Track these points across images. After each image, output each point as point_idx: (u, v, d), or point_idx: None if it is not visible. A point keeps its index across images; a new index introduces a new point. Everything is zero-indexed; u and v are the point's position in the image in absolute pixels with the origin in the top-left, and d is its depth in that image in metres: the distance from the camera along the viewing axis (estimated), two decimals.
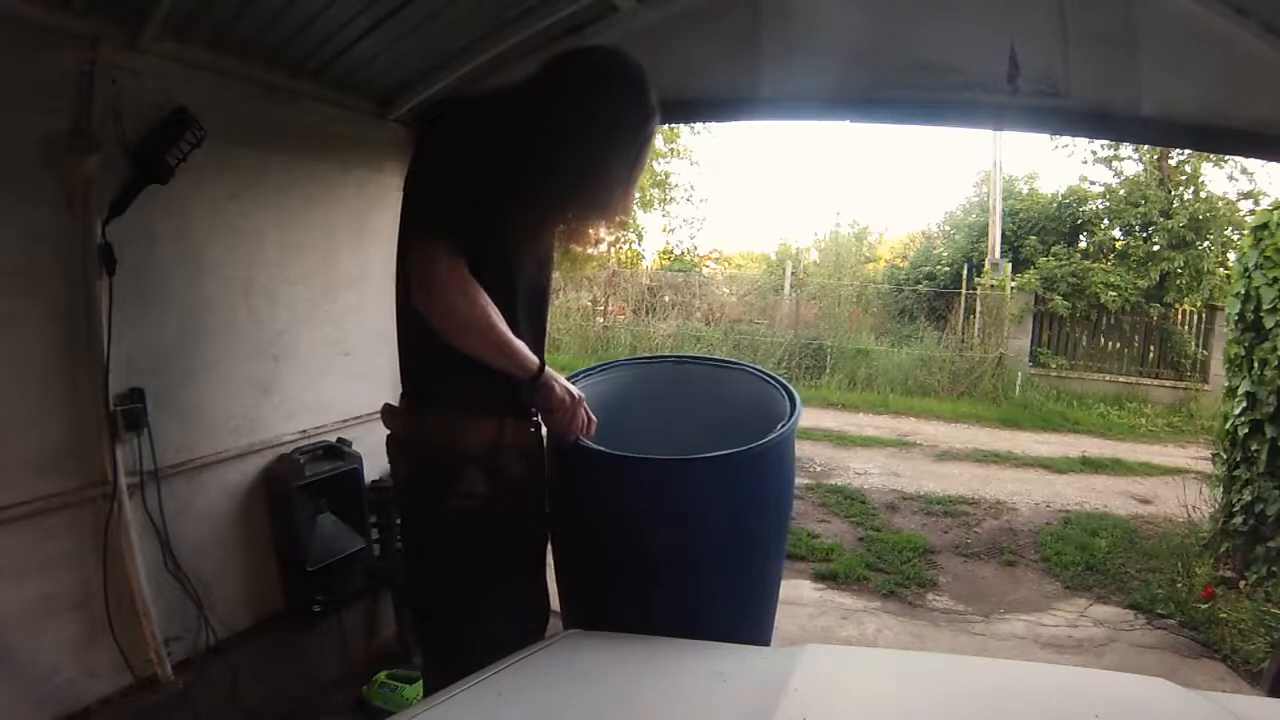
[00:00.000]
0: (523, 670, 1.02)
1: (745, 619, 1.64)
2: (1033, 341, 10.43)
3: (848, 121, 2.71)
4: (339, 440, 2.45)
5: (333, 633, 2.38)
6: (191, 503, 2.07)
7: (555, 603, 1.61)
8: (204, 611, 2.05)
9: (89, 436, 1.80)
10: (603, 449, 1.50)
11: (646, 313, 11.69)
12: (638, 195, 1.89)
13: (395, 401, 1.51)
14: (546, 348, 1.53)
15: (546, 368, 1.41)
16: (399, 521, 2.07)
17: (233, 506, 2.19)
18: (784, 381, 1.76)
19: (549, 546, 1.56)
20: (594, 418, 1.51)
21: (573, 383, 1.94)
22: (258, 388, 2.25)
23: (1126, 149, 10.93)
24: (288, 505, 2.26)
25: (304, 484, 2.29)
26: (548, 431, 1.49)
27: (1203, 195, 10.58)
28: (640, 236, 13.84)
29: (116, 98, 1.76)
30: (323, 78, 2.22)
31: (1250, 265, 4.03)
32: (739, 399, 1.82)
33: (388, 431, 1.50)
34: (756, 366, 1.94)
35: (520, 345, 1.35)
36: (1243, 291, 4.07)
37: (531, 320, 1.46)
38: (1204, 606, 3.52)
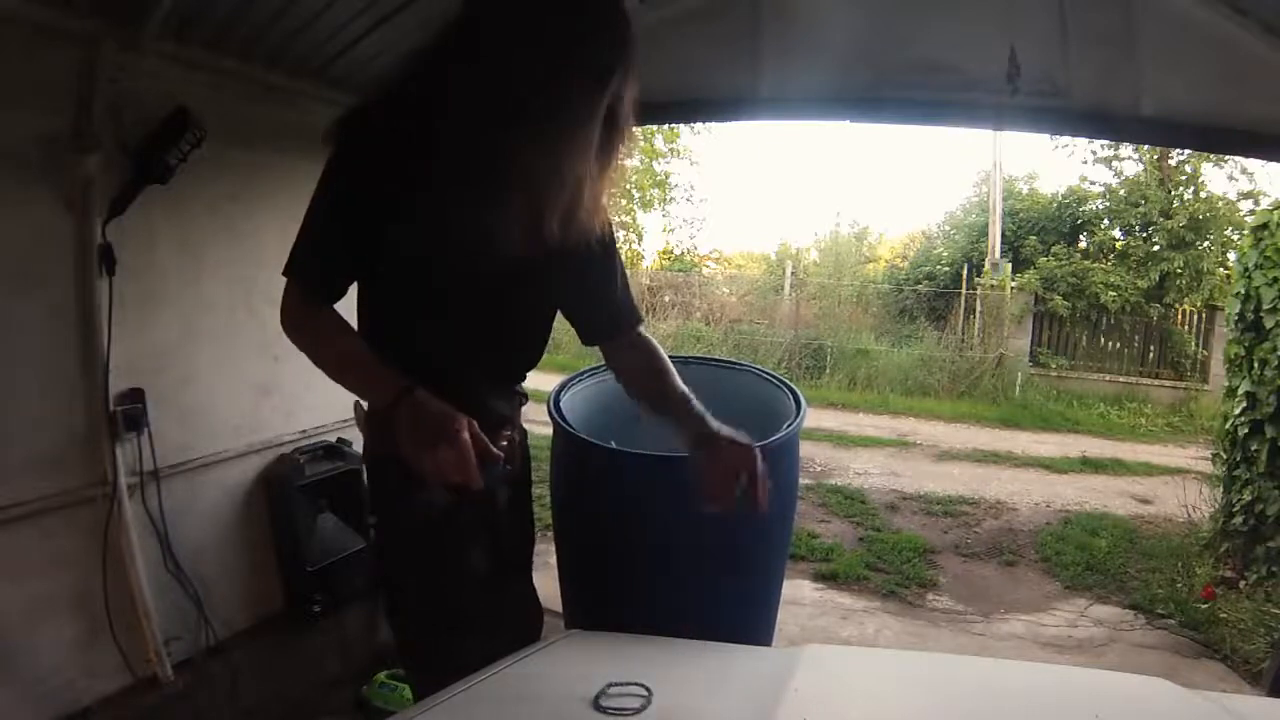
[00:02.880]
0: (523, 670, 1.02)
1: (747, 618, 1.65)
2: (1033, 341, 10.42)
3: (848, 121, 2.71)
4: (339, 440, 2.45)
5: (333, 633, 2.38)
6: (191, 503, 2.07)
7: (557, 603, 1.61)
8: (204, 611, 2.05)
9: (89, 436, 1.80)
10: (606, 444, 1.50)
11: (646, 313, 11.62)
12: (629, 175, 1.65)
13: None
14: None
15: (415, 392, 1.07)
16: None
17: (233, 506, 2.19)
18: (789, 383, 1.77)
19: (527, 556, 1.46)
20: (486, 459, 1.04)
21: (577, 383, 1.92)
22: (258, 388, 2.25)
23: (1126, 149, 10.89)
24: (288, 505, 2.26)
25: (304, 484, 2.29)
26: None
27: (1203, 195, 10.55)
28: (640, 236, 13.87)
29: (116, 98, 1.76)
30: (323, 78, 2.22)
31: (1250, 265, 4.03)
32: (744, 401, 1.82)
33: None
34: (761, 368, 1.94)
35: (369, 372, 1.15)
36: (1243, 291, 4.07)
37: (498, 337, 1.29)
38: (1204, 606, 3.52)
